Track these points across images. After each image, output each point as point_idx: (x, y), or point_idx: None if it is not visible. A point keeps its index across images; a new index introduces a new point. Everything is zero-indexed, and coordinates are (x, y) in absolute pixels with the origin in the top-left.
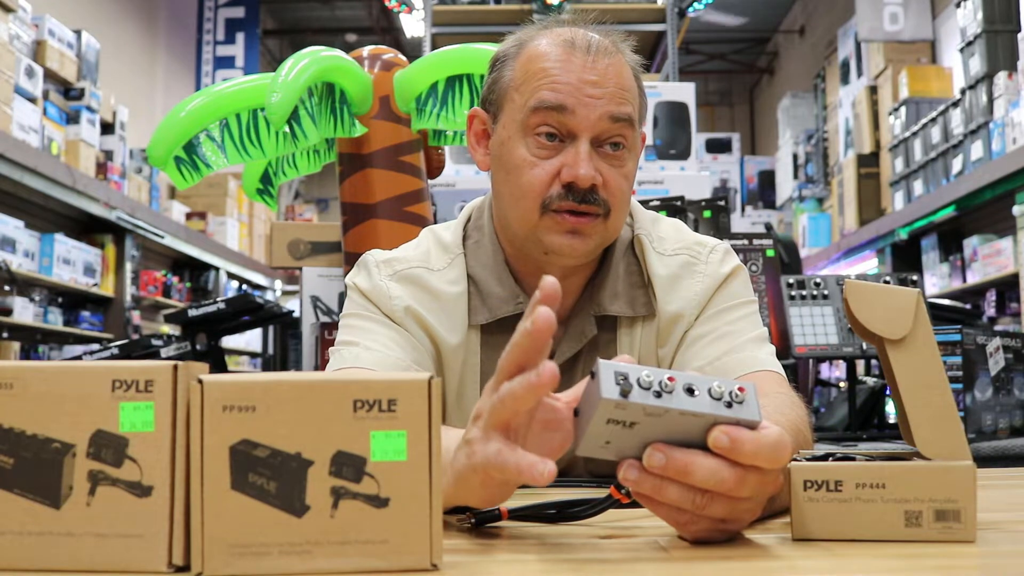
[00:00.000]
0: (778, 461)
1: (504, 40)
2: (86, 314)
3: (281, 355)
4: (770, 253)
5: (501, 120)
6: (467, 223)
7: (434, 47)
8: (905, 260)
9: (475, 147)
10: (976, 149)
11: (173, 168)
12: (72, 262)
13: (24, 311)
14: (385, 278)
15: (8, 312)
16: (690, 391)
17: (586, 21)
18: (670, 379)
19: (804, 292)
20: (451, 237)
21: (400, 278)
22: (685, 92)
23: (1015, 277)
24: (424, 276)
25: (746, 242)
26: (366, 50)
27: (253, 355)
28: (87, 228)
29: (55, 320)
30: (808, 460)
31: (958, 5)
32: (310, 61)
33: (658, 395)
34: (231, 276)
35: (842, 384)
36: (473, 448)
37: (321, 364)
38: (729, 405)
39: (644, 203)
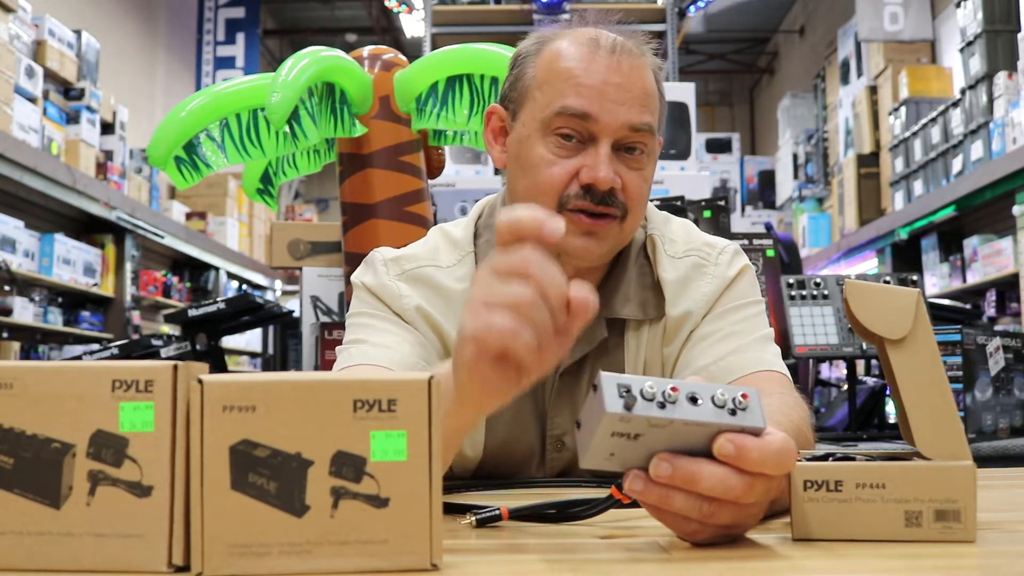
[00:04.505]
0: (784, 467)
1: (524, 39)
2: (86, 314)
3: (281, 355)
4: (770, 253)
5: (521, 117)
6: (478, 220)
7: (434, 47)
8: (905, 260)
9: (492, 144)
10: (976, 149)
11: (173, 168)
12: (72, 262)
13: (24, 311)
14: (393, 278)
15: (8, 312)
16: (693, 400)
17: (609, 22)
18: (673, 389)
19: (804, 292)
20: (461, 234)
21: (408, 278)
22: (685, 92)
23: (1015, 277)
24: (433, 275)
25: (746, 242)
26: (366, 50)
27: (253, 355)
28: (87, 228)
29: (55, 320)
30: (808, 460)
31: (958, 5)
32: (310, 61)
33: (662, 406)
34: (231, 276)
35: (842, 384)
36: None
37: (321, 364)
38: (733, 412)
39: None
